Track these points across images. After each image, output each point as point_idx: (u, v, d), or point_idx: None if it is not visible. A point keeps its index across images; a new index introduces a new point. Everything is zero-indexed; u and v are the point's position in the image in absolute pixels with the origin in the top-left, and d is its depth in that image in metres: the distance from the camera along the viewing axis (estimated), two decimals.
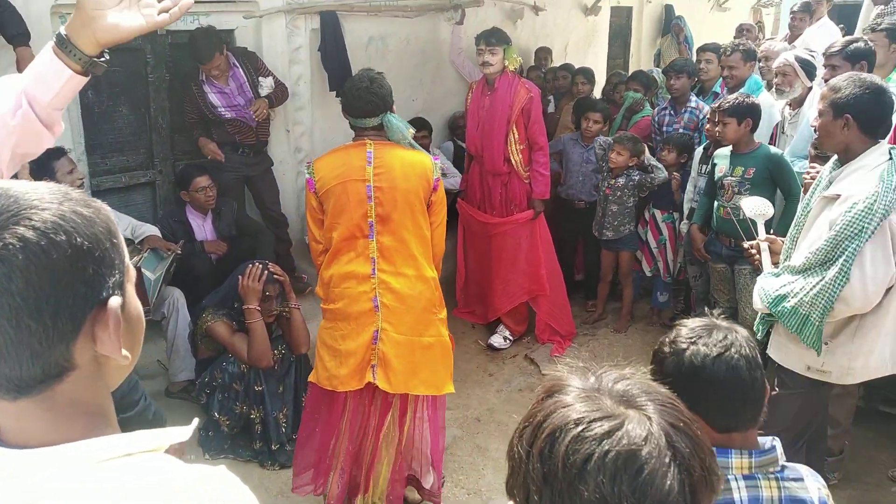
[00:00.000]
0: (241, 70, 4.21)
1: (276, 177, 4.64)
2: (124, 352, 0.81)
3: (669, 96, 4.95)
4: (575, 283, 5.20)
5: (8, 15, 3.24)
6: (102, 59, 1.36)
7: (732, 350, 1.43)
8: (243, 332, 3.28)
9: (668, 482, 0.74)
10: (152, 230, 3.76)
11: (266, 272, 3.25)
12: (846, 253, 2.33)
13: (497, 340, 4.58)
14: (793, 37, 5.90)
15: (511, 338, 4.63)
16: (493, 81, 4.38)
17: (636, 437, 0.76)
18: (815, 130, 2.60)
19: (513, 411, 3.91)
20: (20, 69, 3.25)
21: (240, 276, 3.24)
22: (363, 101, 2.69)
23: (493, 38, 4.28)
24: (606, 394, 0.83)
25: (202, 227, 4.02)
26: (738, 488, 1.43)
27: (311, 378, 2.87)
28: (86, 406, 0.82)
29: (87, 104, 3.94)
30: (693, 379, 1.42)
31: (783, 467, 1.47)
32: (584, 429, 0.78)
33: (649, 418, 0.79)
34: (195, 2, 4.20)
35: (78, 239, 0.76)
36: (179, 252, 3.73)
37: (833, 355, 2.51)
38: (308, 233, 2.88)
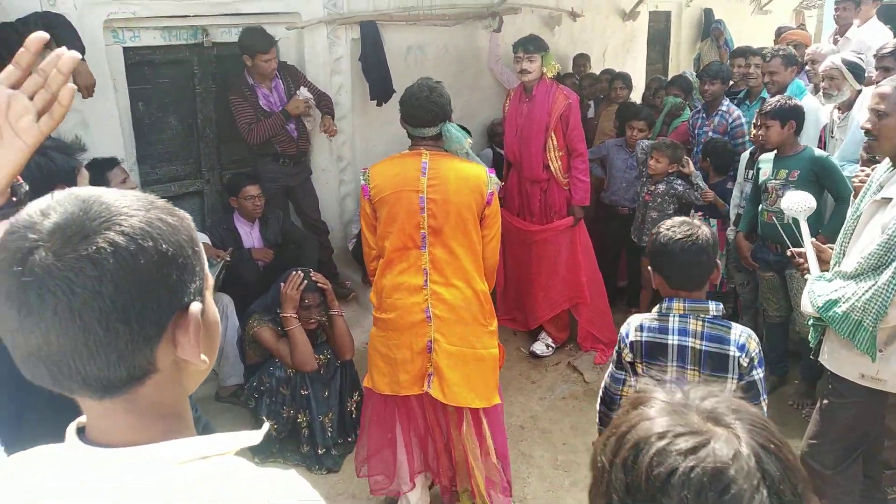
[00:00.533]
0: (281, 82, 4.30)
1: (318, 185, 4.71)
2: (203, 356, 0.84)
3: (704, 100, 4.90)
4: (618, 289, 5.17)
5: (64, 30, 3.35)
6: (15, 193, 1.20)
7: (691, 238, 2.15)
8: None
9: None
10: (202, 238, 3.84)
11: (306, 281, 3.30)
12: None
13: (539, 348, 4.57)
14: (841, 30, 5.75)
15: (553, 345, 4.61)
16: (532, 88, 4.36)
17: (723, 455, 0.75)
18: (866, 133, 2.52)
19: (556, 419, 3.89)
20: (76, 81, 3.36)
21: (282, 283, 3.30)
22: (423, 110, 2.69)
23: (531, 45, 4.26)
24: (694, 410, 0.82)
25: (250, 235, 4.10)
26: (673, 320, 2.19)
27: (366, 384, 2.88)
28: (166, 408, 0.85)
29: (137, 116, 4.05)
30: (661, 251, 2.19)
31: (716, 317, 2.16)
32: (668, 443, 0.77)
33: (738, 437, 0.77)
34: (241, 14, 4.25)
35: (164, 245, 0.79)
36: (228, 259, 3.81)
37: (888, 363, 2.45)
38: (362, 237, 2.90)
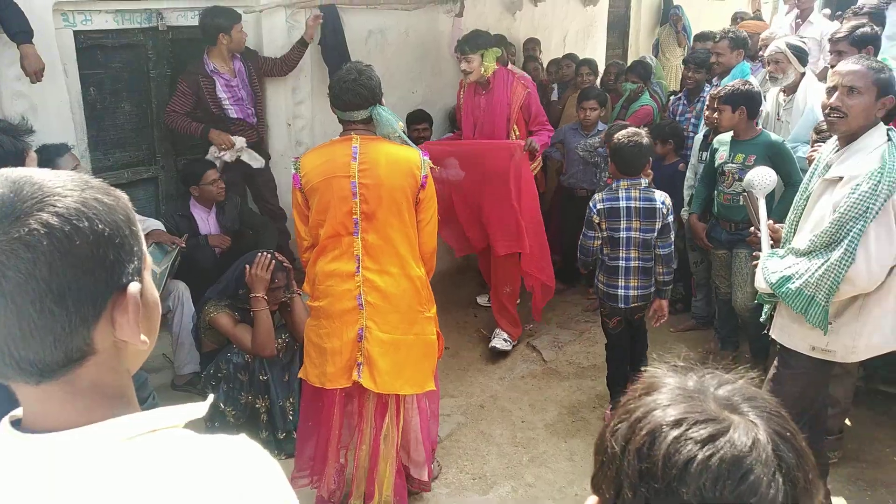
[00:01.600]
0: (244, 66, 4.24)
1: (276, 170, 4.66)
2: (143, 337, 0.83)
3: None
4: (577, 272, 5.22)
5: (10, 12, 3.26)
6: None
7: (633, 140, 3.40)
8: (246, 323, 3.32)
9: (773, 491, 0.73)
10: (156, 224, 3.78)
11: (274, 262, 3.28)
12: (851, 234, 2.35)
13: (499, 343, 4.43)
14: (802, 14, 5.83)
15: (512, 340, 4.49)
16: (487, 80, 4.27)
17: (742, 444, 0.74)
18: (833, 110, 2.48)
19: (515, 398, 3.94)
20: (24, 66, 3.27)
21: (247, 266, 3.27)
22: (352, 93, 2.65)
23: (467, 45, 4.18)
24: (710, 397, 0.80)
25: (206, 221, 4.05)
26: (621, 192, 3.41)
27: (300, 374, 2.88)
28: (107, 389, 0.83)
29: (89, 101, 3.96)
30: (615, 150, 3.51)
31: (646, 188, 3.42)
32: (686, 429, 0.76)
33: (755, 425, 0.77)
34: None
35: (100, 225, 0.77)
36: (184, 246, 3.76)
37: (837, 335, 2.54)
38: (295, 229, 2.86)
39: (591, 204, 3.46)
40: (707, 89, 4.82)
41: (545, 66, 6.41)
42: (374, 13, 5.10)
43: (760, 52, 5.12)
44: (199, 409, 0.86)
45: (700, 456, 0.73)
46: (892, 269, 2.44)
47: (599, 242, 3.49)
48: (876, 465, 3.26)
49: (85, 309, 0.77)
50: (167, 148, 4.38)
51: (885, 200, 2.34)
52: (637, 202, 3.39)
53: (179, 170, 4.33)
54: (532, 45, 6.54)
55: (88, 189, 0.80)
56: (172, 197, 4.41)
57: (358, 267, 2.69)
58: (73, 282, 0.75)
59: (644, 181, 3.42)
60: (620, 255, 3.46)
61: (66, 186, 0.78)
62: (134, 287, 0.81)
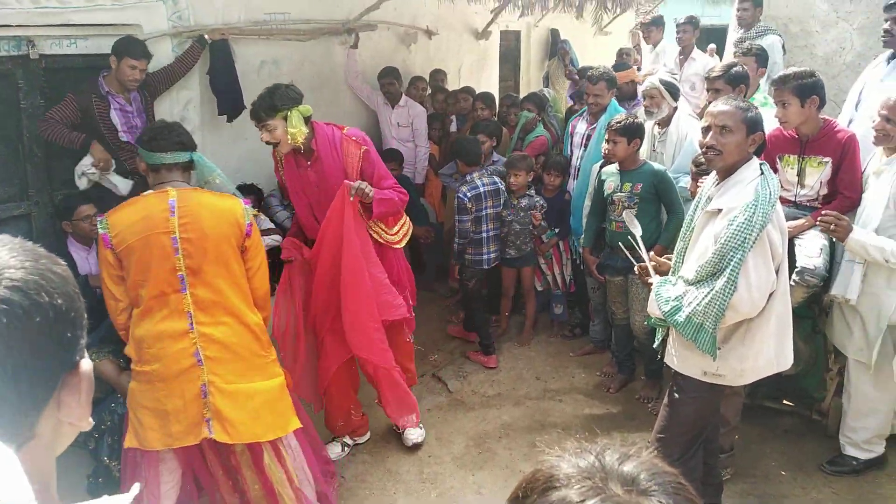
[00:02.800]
0: (138, 93, 4.05)
1: None
2: (90, 419, 0.76)
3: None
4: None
5: None
6: None
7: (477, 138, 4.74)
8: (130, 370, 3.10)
9: None
10: None
11: None
12: (732, 263, 2.48)
13: (414, 437, 3.75)
14: (685, 51, 6.21)
15: (417, 422, 3.78)
16: (310, 149, 3.30)
17: None
18: (708, 148, 2.62)
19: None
20: None
21: None
22: (175, 133, 2.68)
23: (261, 110, 3.15)
24: (615, 478, 0.73)
25: (86, 261, 3.77)
26: (477, 180, 4.56)
27: (128, 444, 2.69)
28: (36, 475, 0.73)
29: None
30: (459, 148, 4.78)
31: (491, 174, 4.70)
32: None
33: None
34: (73, 25, 3.98)
35: (58, 300, 0.70)
36: None
37: (726, 360, 2.66)
38: (104, 291, 2.67)
39: (460, 195, 4.50)
40: (581, 121, 4.96)
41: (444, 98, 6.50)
42: (266, 43, 5.01)
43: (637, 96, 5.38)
44: (121, 500, 0.76)
45: None
46: (771, 294, 2.60)
47: (470, 224, 4.51)
48: (766, 480, 3.43)
49: (38, 391, 0.69)
50: (41, 182, 4.08)
51: (761, 230, 2.48)
52: (489, 186, 4.57)
53: (55, 204, 4.03)
54: (439, 76, 6.63)
55: (42, 259, 0.72)
56: (48, 234, 4.09)
57: (191, 323, 2.59)
58: (28, 361, 0.67)
59: (488, 169, 4.71)
60: (483, 228, 4.59)
61: (17, 257, 0.70)
62: (85, 365, 0.74)
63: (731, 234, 2.49)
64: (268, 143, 3.24)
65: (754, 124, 2.61)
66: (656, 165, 4.02)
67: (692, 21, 6.13)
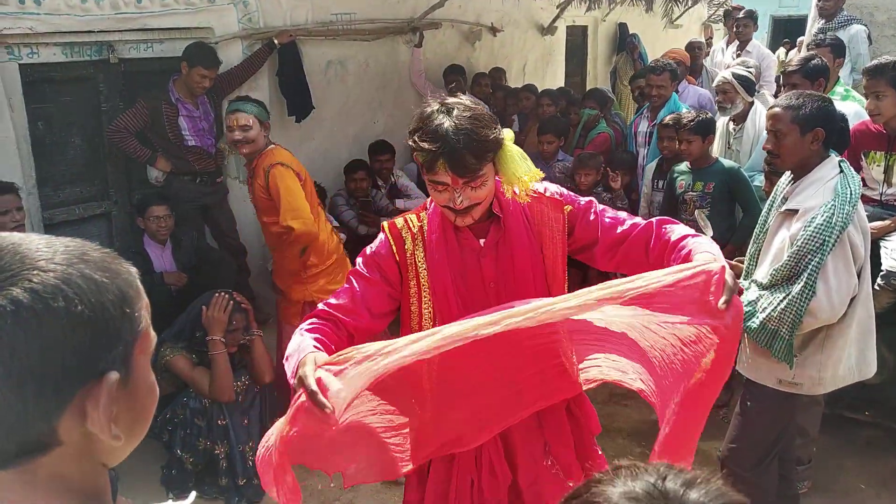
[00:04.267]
0: (207, 98, 4.18)
1: (235, 204, 4.57)
2: (115, 430, 0.73)
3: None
4: None
5: None
6: None
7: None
8: (203, 366, 3.20)
9: None
10: None
11: (232, 302, 3.18)
12: (810, 267, 2.36)
13: None
14: (741, 45, 6.08)
15: None
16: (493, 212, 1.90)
17: None
18: (768, 153, 2.59)
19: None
20: None
21: (204, 307, 3.17)
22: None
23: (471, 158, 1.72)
24: None
25: (161, 258, 3.92)
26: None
27: None
28: (72, 483, 0.75)
29: (37, 136, 3.83)
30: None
31: None
32: None
33: None
34: (149, 29, 4.11)
35: (78, 307, 0.69)
36: None
37: (803, 367, 2.54)
38: None
39: None
40: (642, 119, 4.83)
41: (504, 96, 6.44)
42: (332, 44, 5.08)
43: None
44: None
45: None
46: (852, 299, 2.46)
47: None
48: (845, 495, 3.26)
49: (46, 400, 0.69)
50: (120, 182, 4.25)
51: (841, 232, 2.35)
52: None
53: (133, 203, 4.20)
54: (498, 74, 6.58)
55: (79, 263, 0.71)
56: (126, 233, 4.27)
57: None
58: (36, 368, 0.67)
59: None
60: None
61: (53, 259, 0.70)
62: (112, 377, 0.72)
63: (808, 237, 2.36)
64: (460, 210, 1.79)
65: (808, 121, 2.46)
66: (728, 163, 3.87)
67: (752, 16, 6.07)
